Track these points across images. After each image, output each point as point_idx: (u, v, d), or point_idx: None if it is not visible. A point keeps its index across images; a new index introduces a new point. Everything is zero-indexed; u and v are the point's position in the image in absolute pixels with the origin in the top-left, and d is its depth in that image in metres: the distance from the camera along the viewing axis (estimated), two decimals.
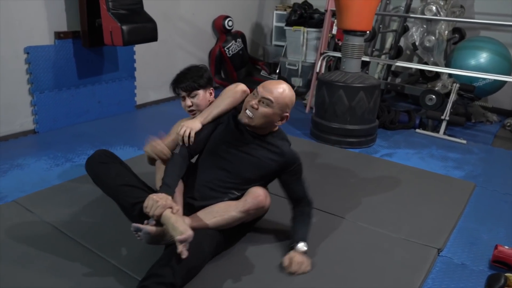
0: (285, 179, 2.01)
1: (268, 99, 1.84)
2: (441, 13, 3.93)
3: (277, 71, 5.34)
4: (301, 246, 1.93)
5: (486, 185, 2.99)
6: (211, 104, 2.12)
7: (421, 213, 2.55)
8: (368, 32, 3.61)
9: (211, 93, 2.18)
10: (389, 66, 4.73)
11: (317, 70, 4.34)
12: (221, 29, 4.82)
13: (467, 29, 4.52)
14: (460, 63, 4.10)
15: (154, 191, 1.91)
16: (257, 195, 1.89)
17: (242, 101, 2.02)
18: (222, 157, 1.96)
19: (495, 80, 3.93)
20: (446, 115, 3.87)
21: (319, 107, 3.61)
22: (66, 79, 3.52)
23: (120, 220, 2.00)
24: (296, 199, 2.05)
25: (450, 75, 4.06)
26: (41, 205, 2.33)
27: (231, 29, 4.89)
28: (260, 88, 1.87)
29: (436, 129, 4.07)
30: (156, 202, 1.69)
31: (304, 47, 5.12)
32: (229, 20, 4.82)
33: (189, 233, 1.62)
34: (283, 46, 5.62)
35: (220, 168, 1.96)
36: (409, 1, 4.31)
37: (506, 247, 2.11)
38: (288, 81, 5.20)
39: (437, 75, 4.20)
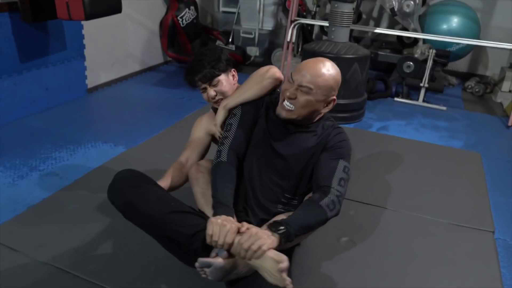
0: (320, 157, 1.54)
1: (306, 86, 1.46)
2: None
3: (230, 40, 4.90)
4: (280, 228, 1.30)
5: (487, 154, 2.95)
6: (236, 90, 1.75)
7: (450, 191, 2.43)
8: None
9: (233, 75, 1.81)
10: (351, 31, 4.54)
11: (288, 39, 4.01)
12: None
13: None
14: (433, 28, 4.02)
15: (204, 215, 1.50)
16: None
17: (273, 89, 1.67)
18: (269, 156, 1.58)
19: (467, 45, 3.92)
20: (425, 82, 3.79)
21: None
22: (5, 64, 2.81)
23: (133, 245, 1.58)
24: (318, 182, 1.47)
25: (424, 40, 3.96)
26: (25, 238, 1.77)
27: None
28: (295, 74, 1.49)
29: (409, 96, 4.01)
30: (224, 226, 1.28)
31: (261, 13, 4.73)
32: None
33: (285, 257, 1.25)
34: (232, 13, 5.18)
35: (271, 171, 1.57)
36: None
37: None
38: (243, 50, 4.80)
39: (415, 42, 4.09)
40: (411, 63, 3.80)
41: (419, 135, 3.22)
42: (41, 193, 2.13)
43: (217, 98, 1.74)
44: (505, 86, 4.07)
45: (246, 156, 1.61)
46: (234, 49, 4.73)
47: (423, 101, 3.84)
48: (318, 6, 4.94)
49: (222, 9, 5.38)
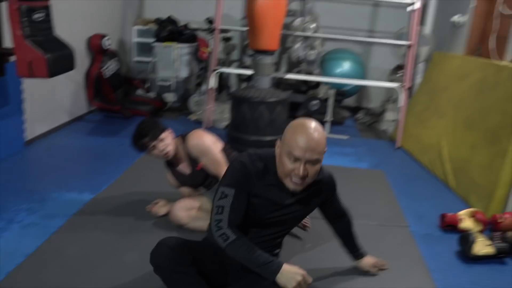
0: (326, 202, 1.97)
1: (315, 159, 1.60)
2: (318, 30, 4.60)
3: (146, 87, 5.23)
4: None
5: (388, 170, 3.72)
6: None
7: (371, 200, 3.09)
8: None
9: (171, 133, 2.40)
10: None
11: (210, 86, 4.50)
12: (98, 49, 4.48)
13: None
14: (330, 72, 4.86)
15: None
16: None
17: None
18: (274, 224, 1.82)
19: (357, 84, 4.81)
20: (330, 117, 4.56)
21: (240, 122, 3.81)
22: None
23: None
24: (336, 215, 2.08)
25: (325, 82, 4.77)
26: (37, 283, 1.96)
27: (108, 48, 4.59)
28: (297, 152, 1.57)
29: None
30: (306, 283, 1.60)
31: (177, 63, 5.16)
32: (107, 39, 4.51)
33: None
34: (145, 62, 5.53)
35: (274, 234, 1.87)
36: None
37: (450, 214, 2.80)
38: (160, 97, 5.15)
39: (318, 84, 4.86)
40: (317, 101, 4.55)
41: (334, 161, 3.90)
42: (32, 242, 2.26)
43: (165, 151, 2.34)
44: (387, 116, 5.04)
45: (250, 226, 1.79)
46: (154, 96, 5.08)
47: (329, 133, 4.60)
48: (226, 54, 5.54)
49: (135, 59, 5.69)
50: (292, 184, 1.64)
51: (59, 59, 2.85)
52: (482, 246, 2.43)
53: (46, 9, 2.93)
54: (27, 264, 2.07)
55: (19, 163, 3.30)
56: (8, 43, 3.04)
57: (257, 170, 1.69)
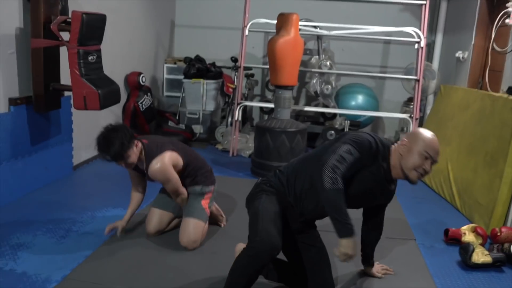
0: (385, 204, 2.40)
1: (437, 161, 2.00)
2: (333, 67, 5.05)
3: (176, 119, 5.71)
4: None
5: (398, 194, 3.89)
6: None
7: None
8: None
9: (137, 145, 2.55)
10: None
11: (236, 118, 4.94)
12: (135, 85, 5.00)
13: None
14: (345, 104, 5.27)
15: None
16: None
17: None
18: (362, 201, 2.19)
19: (370, 116, 5.20)
20: None
21: (264, 150, 4.21)
22: (21, 147, 3.33)
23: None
24: (378, 224, 2.49)
25: (340, 114, 5.18)
26: (103, 273, 2.37)
27: (144, 84, 5.12)
28: (435, 155, 1.97)
29: None
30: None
31: (204, 97, 5.64)
32: (143, 76, 5.05)
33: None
34: (174, 97, 6.04)
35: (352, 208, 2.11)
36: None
37: (453, 228, 3.10)
38: (191, 129, 5.61)
39: (334, 115, 5.27)
40: (333, 132, 4.93)
41: None
42: (89, 246, 2.68)
43: (130, 167, 2.60)
44: None
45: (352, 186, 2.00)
46: (184, 128, 5.55)
47: None
48: (249, 89, 6.02)
49: (165, 93, 6.22)
50: (416, 176, 1.98)
51: (108, 94, 3.33)
52: (480, 255, 2.73)
53: (98, 52, 3.44)
54: (87, 263, 2.48)
55: (70, 185, 3.75)
56: (63, 80, 3.54)
57: (381, 152, 2.01)
